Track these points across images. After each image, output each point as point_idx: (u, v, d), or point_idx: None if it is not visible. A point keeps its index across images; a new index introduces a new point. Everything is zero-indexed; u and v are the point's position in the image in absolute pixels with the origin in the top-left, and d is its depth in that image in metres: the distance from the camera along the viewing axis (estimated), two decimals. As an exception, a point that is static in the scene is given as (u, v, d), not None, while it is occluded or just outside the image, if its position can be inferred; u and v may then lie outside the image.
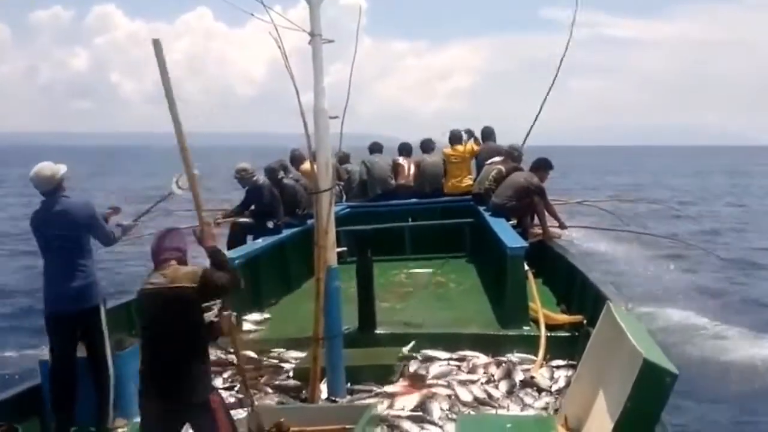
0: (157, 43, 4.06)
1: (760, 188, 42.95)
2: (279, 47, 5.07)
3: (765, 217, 27.57)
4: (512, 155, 10.10)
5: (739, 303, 12.19)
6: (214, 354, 6.36)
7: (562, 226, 9.55)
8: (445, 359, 6.00)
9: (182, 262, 4.04)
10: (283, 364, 6.12)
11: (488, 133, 11.62)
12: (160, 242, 4.07)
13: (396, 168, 11.82)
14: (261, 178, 9.36)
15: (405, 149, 12.15)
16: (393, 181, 11.69)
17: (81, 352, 5.09)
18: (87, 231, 5.08)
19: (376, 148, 12.10)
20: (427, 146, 12.01)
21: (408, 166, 11.79)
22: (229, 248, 8.69)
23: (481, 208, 9.84)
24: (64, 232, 4.98)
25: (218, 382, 5.83)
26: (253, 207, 9.35)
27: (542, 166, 9.49)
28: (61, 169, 5.12)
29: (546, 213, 9.29)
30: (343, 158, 11.94)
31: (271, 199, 9.17)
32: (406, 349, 6.10)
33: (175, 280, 3.84)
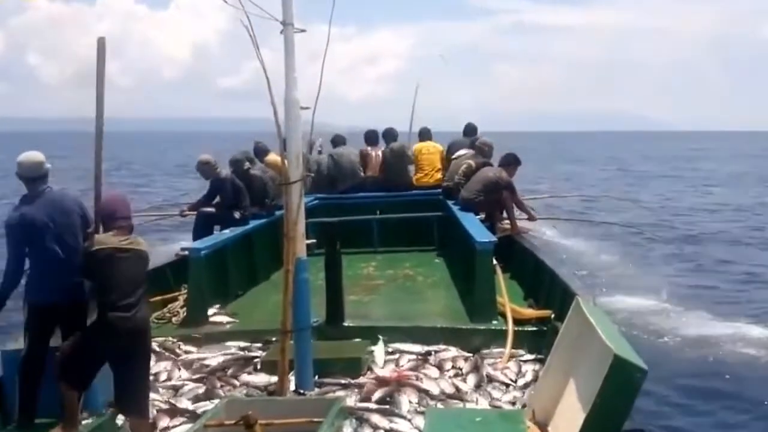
0: (101, 42, 4.24)
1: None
2: (250, 35, 5.00)
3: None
4: (483, 150, 10.15)
5: (696, 287, 12.45)
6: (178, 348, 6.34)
7: (531, 218, 9.65)
8: (413, 353, 6.00)
9: (131, 228, 4.69)
10: (250, 356, 6.07)
11: (470, 130, 11.70)
12: (118, 207, 4.67)
13: (364, 158, 11.81)
14: (224, 171, 9.26)
15: (371, 138, 12.09)
16: (362, 173, 11.69)
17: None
18: (81, 223, 4.99)
19: (339, 140, 12.09)
20: (389, 135, 12.00)
21: (375, 155, 11.80)
22: (195, 239, 8.61)
23: (450, 202, 9.87)
24: (65, 221, 4.88)
25: (183, 375, 5.78)
26: (218, 199, 9.26)
27: (511, 162, 9.57)
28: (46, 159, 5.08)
29: (515, 208, 9.38)
30: (338, 140, 12.05)
31: (235, 191, 9.06)
32: (374, 347, 6.08)
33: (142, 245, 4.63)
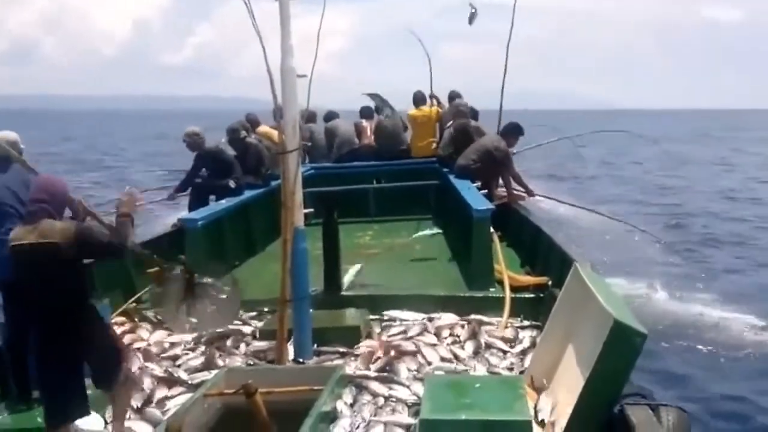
0: None
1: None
2: (246, 4, 4.94)
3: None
4: (459, 112, 10.19)
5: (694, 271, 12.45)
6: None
7: (530, 193, 9.55)
8: (411, 320, 6.01)
9: (52, 215, 3.89)
10: (248, 327, 6.07)
11: (454, 96, 11.63)
12: (31, 192, 4.00)
13: (359, 130, 11.97)
14: (211, 143, 9.16)
15: (366, 112, 12.32)
16: (357, 141, 11.81)
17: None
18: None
19: (332, 115, 12.23)
20: (379, 109, 11.97)
21: (370, 127, 11.95)
22: (191, 210, 8.58)
23: (446, 170, 9.84)
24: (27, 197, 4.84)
25: (182, 345, 5.78)
26: (205, 171, 9.17)
27: (512, 131, 9.47)
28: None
29: (509, 177, 9.34)
30: (310, 117, 11.82)
31: (221, 161, 8.97)
32: (373, 315, 6.09)
33: (47, 236, 3.76)
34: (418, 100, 11.74)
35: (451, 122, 10.48)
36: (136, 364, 5.07)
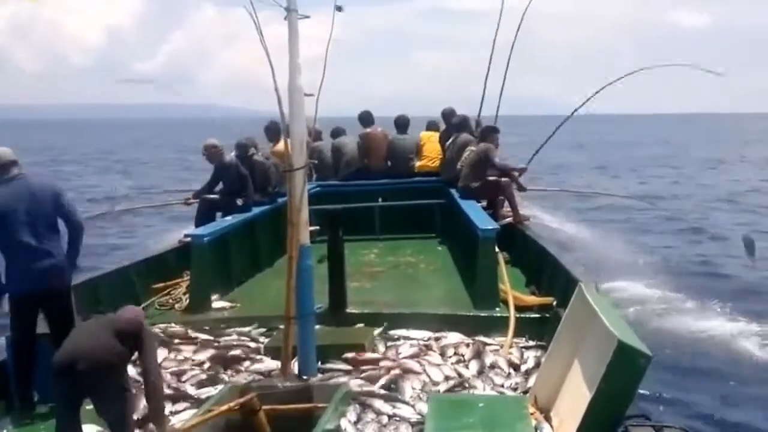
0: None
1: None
2: (253, 21, 4.99)
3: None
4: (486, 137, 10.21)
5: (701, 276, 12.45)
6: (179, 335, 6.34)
7: (521, 188, 9.59)
8: (415, 339, 6.01)
9: None
10: (253, 343, 6.09)
11: (448, 114, 11.58)
12: None
13: (367, 142, 11.57)
14: (229, 156, 9.25)
15: (365, 119, 11.77)
16: (366, 160, 11.61)
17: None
18: (55, 209, 4.97)
19: (339, 132, 12.00)
20: (401, 124, 11.71)
21: (375, 134, 11.58)
22: (197, 225, 8.61)
23: (452, 190, 9.87)
24: (36, 209, 4.87)
25: (187, 361, 5.79)
26: (221, 185, 9.26)
27: (488, 132, 9.75)
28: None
29: (514, 198, 9.37)
30: (317, 136, 11.77)
31: (239, 176, 9.06)
32: (377, 332, 6.10)
33: None
34: (431, 125, 11.89)
35: (468, 139, 10.34)
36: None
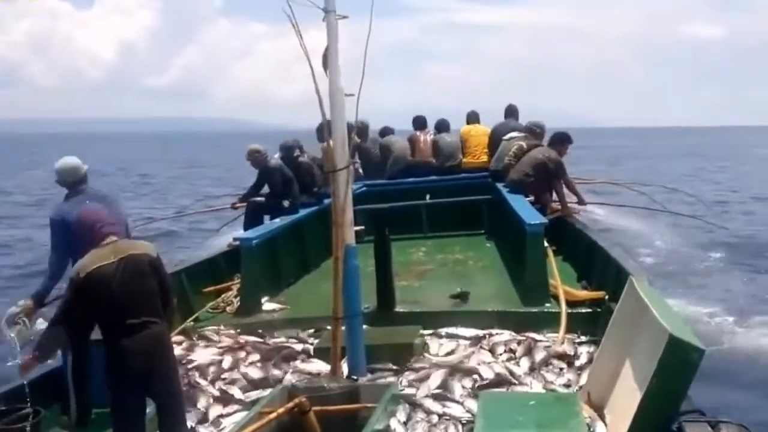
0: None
1: None
2: (293, 25, 4.99)
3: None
4: (534, 132, 10.03)
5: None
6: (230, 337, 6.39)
7: (581, 202, 9.48)
8: (465, 337, 5.96)
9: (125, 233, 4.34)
10: (302, 344, 6.11)
11: (511, 111, 11.57)
12: (96, 217, 4.28)
13: (413, 142, 11.89)
14: (273, 160, 9.31)
15: (419, 122, 12.28)
16: (411, 157, 11.80)
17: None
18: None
19: (387, 131, 12.23)
20: (441, 126, 12.18)
21: (424, 139, 11.93)
22: (245, 229, 8.70)
23: (499, 185, 9.77)
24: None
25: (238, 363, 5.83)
26: (267, 188, 9.33)
27: (560, 140, 9.42)
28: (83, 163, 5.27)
29: (565, 188, 9.23)
30: (362, 135, 11.86)
31: (284, 179, 9.12)
32: (427, 332, 6.07)
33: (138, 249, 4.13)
34: (472, 117, 12.00)
35: (515, 135, 10.21)
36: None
